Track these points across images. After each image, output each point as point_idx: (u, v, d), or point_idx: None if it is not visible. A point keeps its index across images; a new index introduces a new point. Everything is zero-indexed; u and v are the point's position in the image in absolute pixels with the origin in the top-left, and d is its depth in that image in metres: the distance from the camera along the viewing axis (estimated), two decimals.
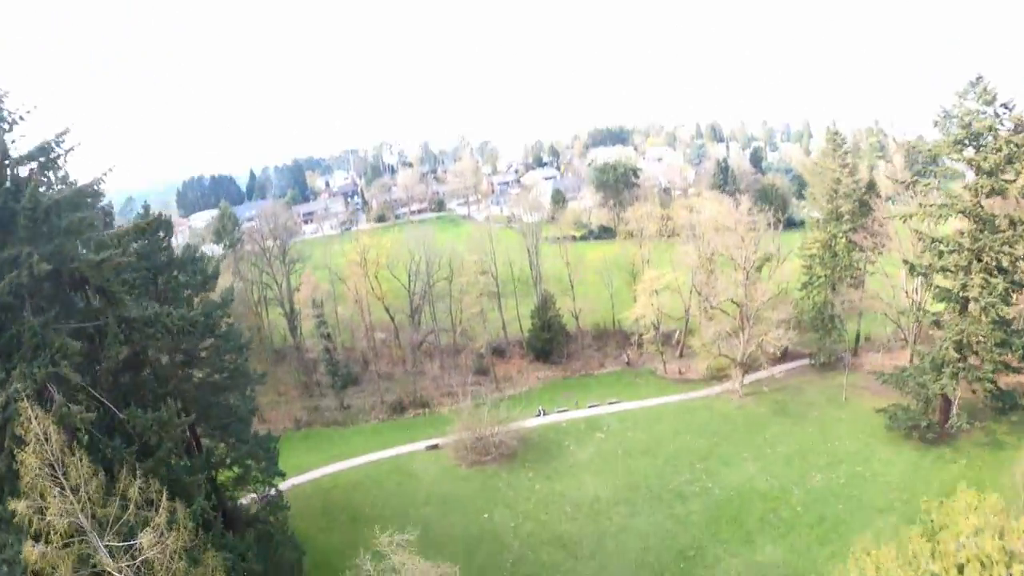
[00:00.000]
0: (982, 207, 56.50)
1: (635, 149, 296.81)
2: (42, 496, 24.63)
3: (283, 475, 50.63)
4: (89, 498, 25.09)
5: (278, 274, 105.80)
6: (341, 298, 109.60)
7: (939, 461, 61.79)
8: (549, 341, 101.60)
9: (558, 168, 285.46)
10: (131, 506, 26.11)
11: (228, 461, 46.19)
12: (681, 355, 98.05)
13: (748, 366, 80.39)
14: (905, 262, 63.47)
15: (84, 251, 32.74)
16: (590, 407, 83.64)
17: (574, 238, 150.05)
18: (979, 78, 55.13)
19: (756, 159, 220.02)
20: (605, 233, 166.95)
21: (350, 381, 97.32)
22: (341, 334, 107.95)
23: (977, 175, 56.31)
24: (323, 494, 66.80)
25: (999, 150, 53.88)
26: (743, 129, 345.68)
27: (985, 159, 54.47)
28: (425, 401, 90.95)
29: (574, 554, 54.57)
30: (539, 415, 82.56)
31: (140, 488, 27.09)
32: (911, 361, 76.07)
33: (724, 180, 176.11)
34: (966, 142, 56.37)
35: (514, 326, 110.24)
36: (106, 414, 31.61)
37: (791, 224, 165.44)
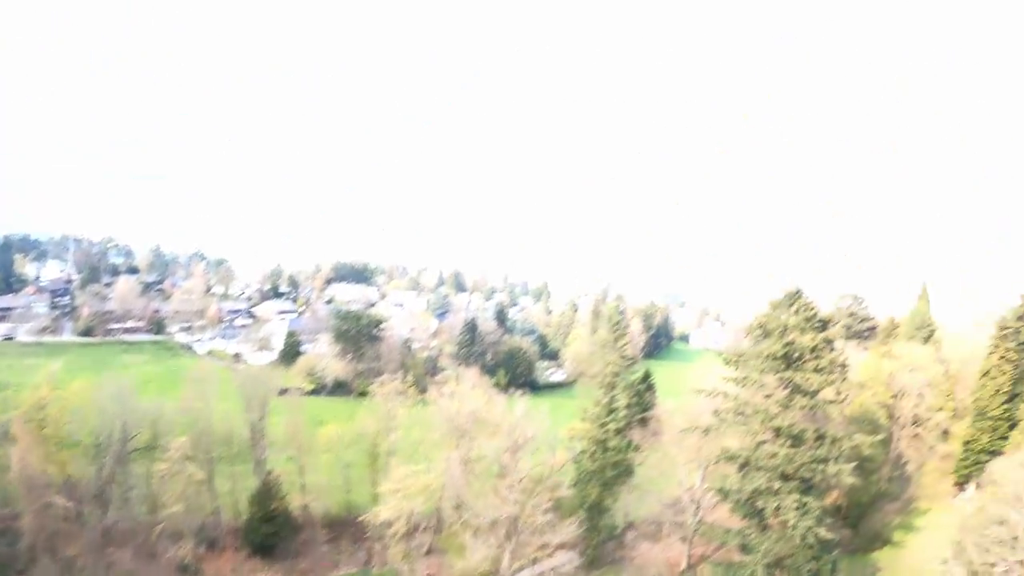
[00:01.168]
0: (789, 422, 54.59)
1: (378, 290, 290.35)
2: None
3: None
4: None
5: None
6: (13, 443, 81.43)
7: None
8: (272, 535, 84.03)
9: (294, 300, 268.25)
10: None
11: None
12: (429, 552, 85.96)
13: None
14: (720, 490, 59.23)
15: None
16: None
17: (305, 392, 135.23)
18: (798, 291, 54.78)
19: (501, 316, 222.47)
20: (339, 389, 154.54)
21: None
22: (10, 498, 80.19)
23: (789, 389, 54.74)
24: None
25: (820, 370, 52.81)
26: (485, 281, 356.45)
27: (807, 379, 53.06)
28: None
29: None
30: None
31: None
32: (689, 562, 72.46)
33: (471, 340, 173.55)
34: (780, 357, 54.54)
35: (230, 506, 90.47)
36: None
37: (535, 387, 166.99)
